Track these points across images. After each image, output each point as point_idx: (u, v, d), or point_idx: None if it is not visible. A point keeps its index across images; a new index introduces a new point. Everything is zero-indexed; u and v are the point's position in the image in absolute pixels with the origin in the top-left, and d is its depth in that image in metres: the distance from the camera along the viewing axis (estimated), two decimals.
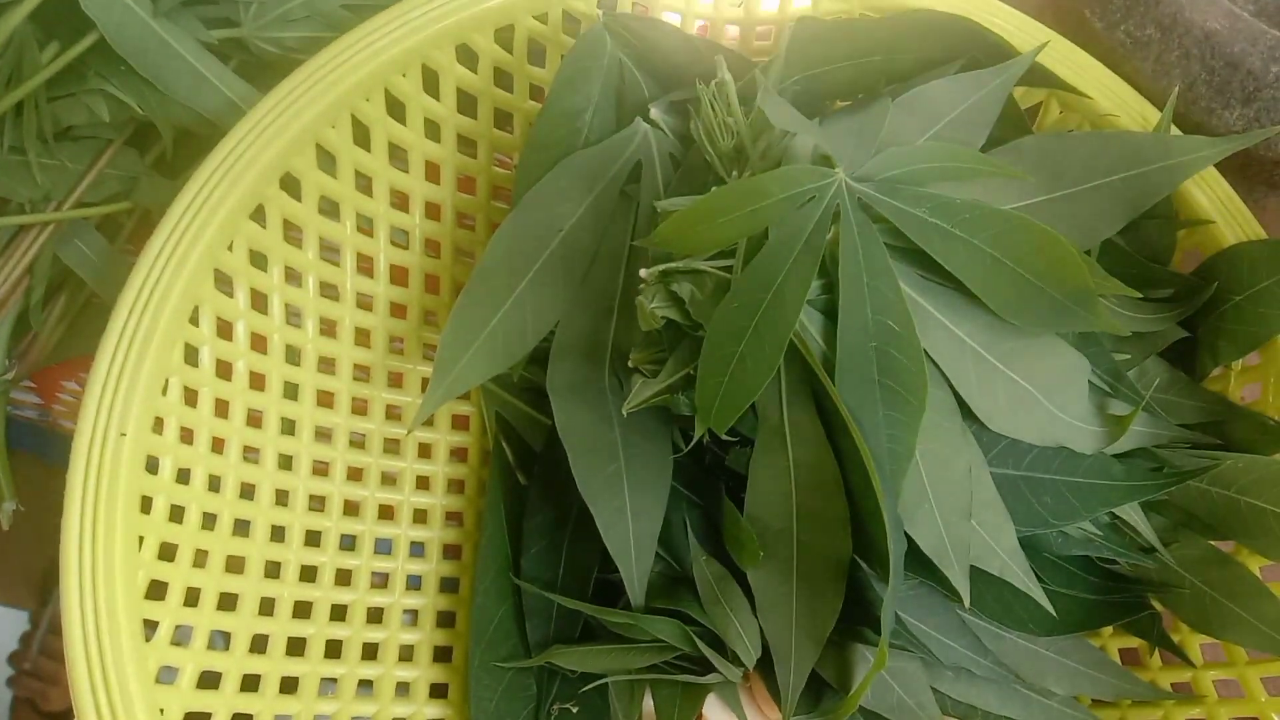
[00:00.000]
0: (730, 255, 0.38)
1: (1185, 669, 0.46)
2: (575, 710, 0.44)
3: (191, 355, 0.39)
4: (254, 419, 0.42)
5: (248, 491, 0.42)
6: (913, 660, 0.42)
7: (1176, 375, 0.47)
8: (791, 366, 0.38)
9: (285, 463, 0.44)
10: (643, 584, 0.42)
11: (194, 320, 0.39)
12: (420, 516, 0.49)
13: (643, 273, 0.38)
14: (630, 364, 0.41)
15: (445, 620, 0.48)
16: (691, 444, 0.41)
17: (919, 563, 0.41)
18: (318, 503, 0.45)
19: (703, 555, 0.43)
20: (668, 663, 0.44)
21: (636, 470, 0.43)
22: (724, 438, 0.40)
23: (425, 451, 0.50)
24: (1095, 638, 0.47)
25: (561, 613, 0.46)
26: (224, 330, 0.41)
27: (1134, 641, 0.47)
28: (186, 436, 0.39)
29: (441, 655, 0.47)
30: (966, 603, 0.39)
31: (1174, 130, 0.46)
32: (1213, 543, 0.45)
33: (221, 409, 0.41)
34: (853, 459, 0.37)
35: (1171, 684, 0.46)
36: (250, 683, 0.40)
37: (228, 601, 0.40)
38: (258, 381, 0.42)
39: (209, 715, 0.37)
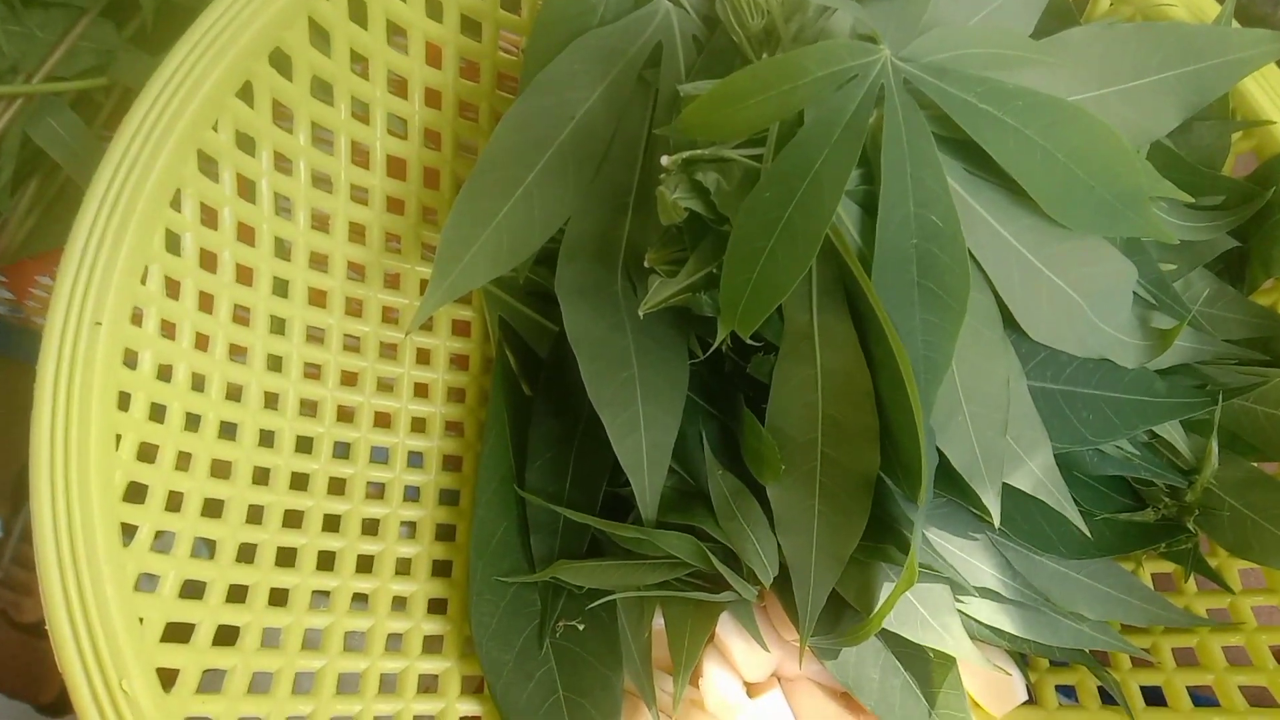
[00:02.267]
0: (760, 143, 0.35)
1: (1222, 595, 0.44)
2: (582, 628, 0.43)
3: (173, 242, 0.36)
4: (241, 316, 0.40)
5: (234, 393, 0.39)
6: (938, 581, 0.40)
7: (1224, 288, 0.45)
8: (825, 264, 0.35)
9: (275, 364, 0.41)
10: (655, 498, 0.40)
11: (175, 205, 0.36)
12: (418, 425, 0.47)
13: (664, 160, 0.35)
14: (646, 264, 0.38)
15: (445, 534, 0.46)
16: (710, 350, 0.39)
17: (948, 480, 0.39)
18: (309, 408, 0.43)
19: (719, 469, 0.41)
20: (679, 580, 0.42)
21: (650, 378, 0.40)
22: (747, 343, 0.37)
23: (424, 358, 0.47)
24: (1128, 561, 0.46)
25: (568, 527, 0.44)
26: (208, 218, 0.38)
27: (1168, 566, 0.46)
28: (168, 331, 0.37)
29: (441, 570, 0.45)
30: (996, 522, 0.37)
31: (1234, 24, 0.43)
32: (1255, 464, 0.43)
33: (206, 303, 0.38)
34: (886, 367, 0.35)
35: (1207, 610, 0.45)
36: (237, 593, 0.38)
37: (213, 508, 0.38)
38: (245, 275, 0.40)
39: (192, 626, 0.35)
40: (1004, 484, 0.38)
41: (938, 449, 0.37)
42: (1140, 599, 0.43)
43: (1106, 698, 0.45)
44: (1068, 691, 0.46)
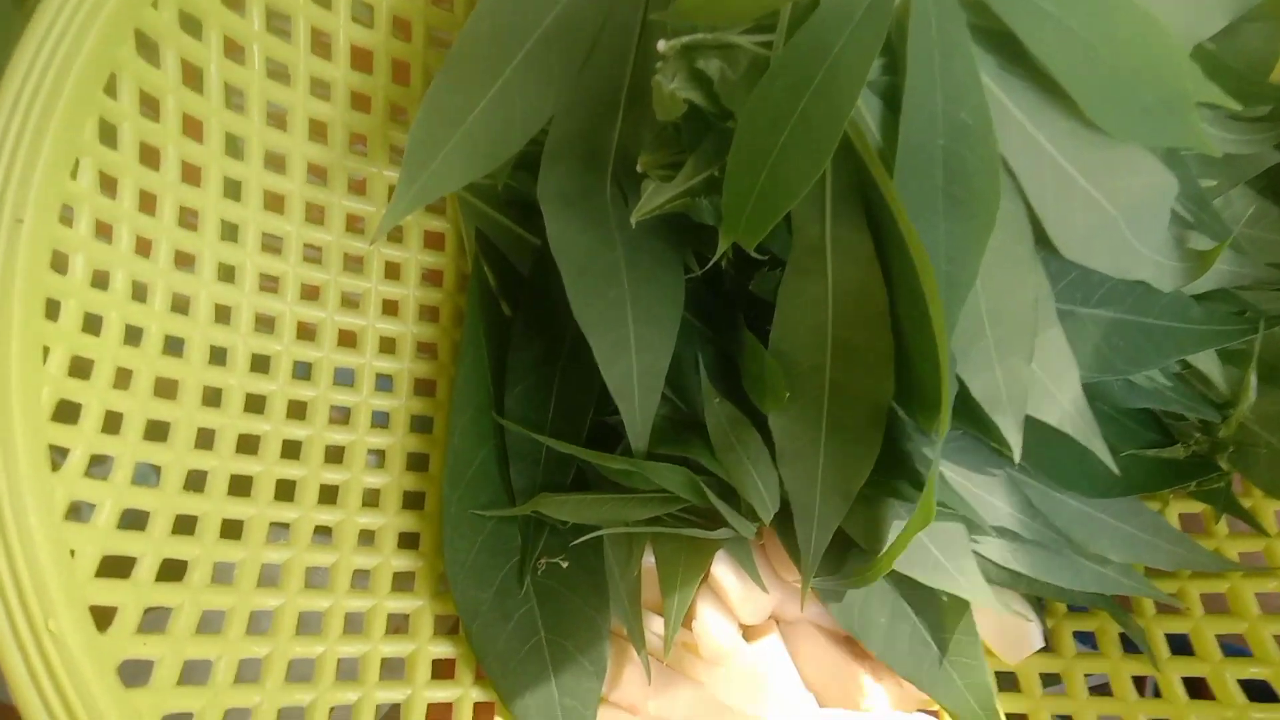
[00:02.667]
0: (770, 28, 0.32)
1: (1256, 538, 0.42)
2: (565, 566, 0.40)
3: (108, 134, 0.33)
4: (188, 220, 0.36)
5: (181, 304, 0.36)
6: (953, 520, 0.38)
7: (1267, 208, 0.41)
8: (841, 167, 0.32)
9: (226, 274, 0.38)
10: (646, 427, 0.37)
11: (110, 91, 0.32)
12: (387, 346, 0.43)
13: (661, 45, 0.31)
14: (639, 168, 0.35)
15: (417, 463, 0.43)
16: (708, 266, 0.35)
17: (965, 411, 0.36)
18: (265, 324, 0.39)
19: (716, 397, 0.38)
20: (671, 515, 0.40)
21: (642, 296, 0.37)
22: (751, 255, 0.34)
23: (393, 272, 0.44)
24: (1154, 501, 0.43)
25: (551, 457, 0.41)
26: (149, 108, 0.34)
27: (1197, 506, 0.44)
28: (105, 233, 0.33)
29: (412, 502, 0.42)
30: (1016, 457, 0.35)
31: None
32: None
33: (148, 204, 0.35)
34: (904, 283, 0.32)
35: (1239, 554, 0.42)
36: (185, 524, 0.35)
37: (157, 431, 0.34)
38: (192, 175, 0.36)
39: (133, 560, 0.32)
40: (1026, 417, 0.35)
41: (957, 377, 0.34)
42: (1167, 541, 0.40)
43: (1129, 645, 0.43)
44: (1087, 639, 0.44)
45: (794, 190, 0.31)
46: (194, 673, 0.33)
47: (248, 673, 0.35)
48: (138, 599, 0.32)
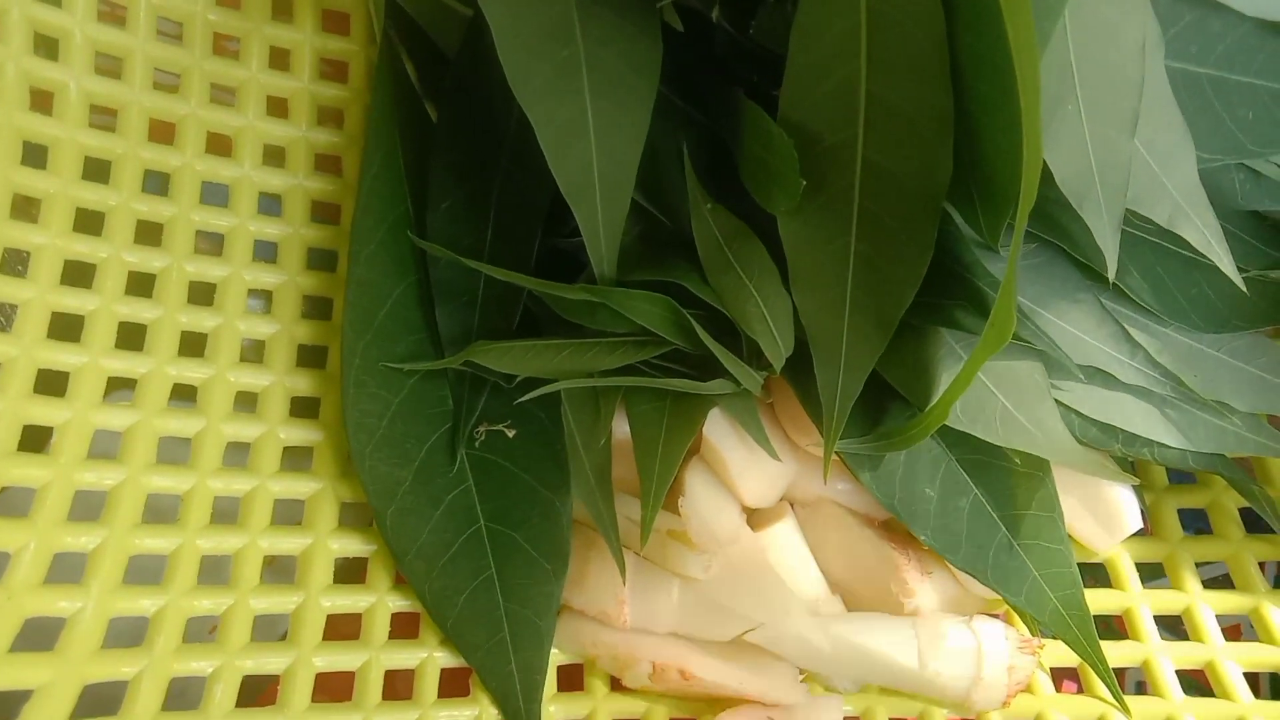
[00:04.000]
0: None
1: None
2: (512, 434, 0.30)
3: None
4: None
5: None
6: (1026, 357, 0.29)
7: None
8: None
9: (47, 48, 0.28)
10: (613, 242, 0.29)
11: None
12: (274, 156, 0.34)
13: None
14: None
15: (316, 309, 0.34)
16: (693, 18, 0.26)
17: (1039, 211, 0.29)
18: (104, 114, 0.29)
19: (708, 201, 0.29)
20: (649, 364, 0.31)
21: (604, 57, 0.28)
22: None
23: (280, 61, 0.35)
24: None
25: (490, 293, 0.32)
26: None
27: None
28: None
29: (310, 358, 0.33)
30: (1111, 272, 0.27)
31: None
32: None
33: None
34: (967, 8, 0.23)
35: None
36: None
37: None
38: None
39: None
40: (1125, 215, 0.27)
41: None
42: None
43: (1252, 524, 0.34)
44: (1197, 518, 0.35)
45: None
46: None
47: (66, 572, 0.25)
48: None
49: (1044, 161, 0.26)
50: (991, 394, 0.29)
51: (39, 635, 0.25)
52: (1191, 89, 0.29)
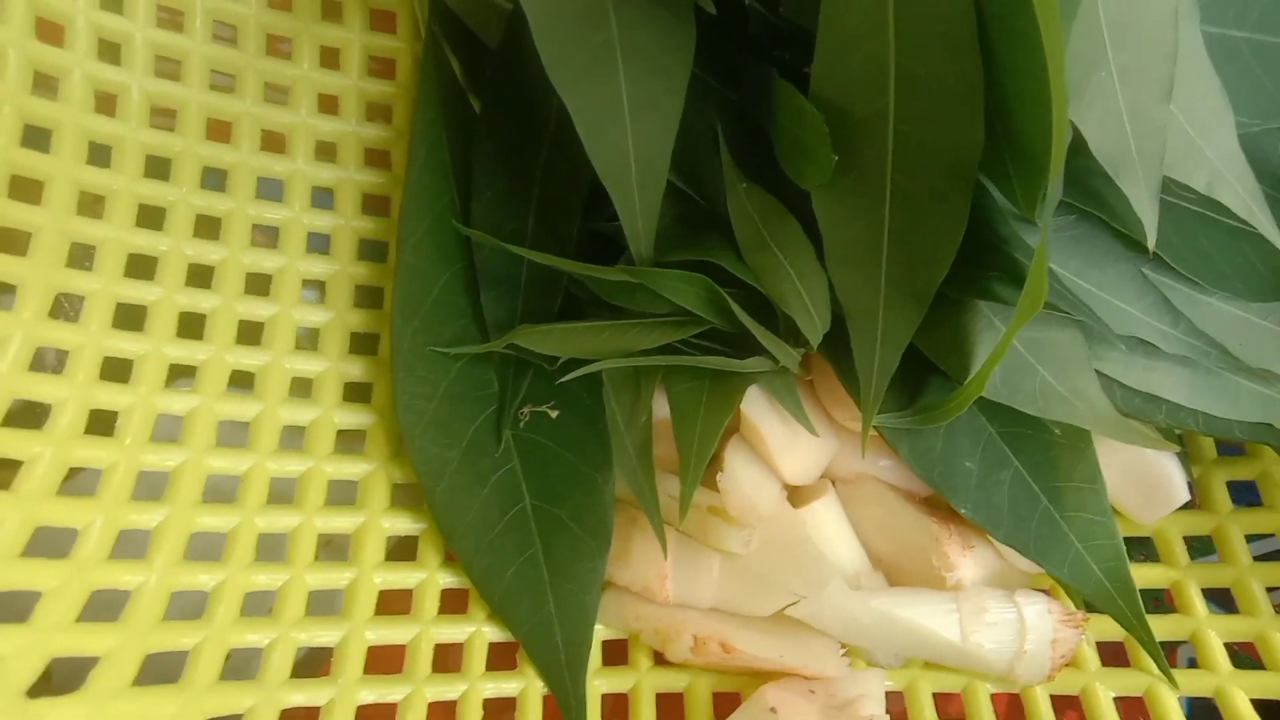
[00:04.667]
0: None
1: None
2: (555, 414, 0.31)
3: None
4: None
5: (46, 84, 0.28)
6: (1066, 327, 0.28)
7: None
8: None
9: (110, 53, 0.29)
10: (650, 223, 0.29)
11: None
12: (326, 151, 0.35)
13: None
14: None
15: (369, 298, 0.35)
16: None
17: (1076, 182, 0.28)
18: (163, 116, 0.31)
19: (743, 181, 0.29)
20: (688, 343, 0.31)
21: (638, 40, 0.28)
22: None
23: (330, 59, 0.36)
24: None
25: (533, 278, 0.33)
26: None
27: None
28: None
29: (363, 345, 0.34)
30: (1151, 241, 0.26)
31: None
32: None
33: None
34: None
35: None
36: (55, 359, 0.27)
37: (16, 243, 0.26)
38: None
39: None
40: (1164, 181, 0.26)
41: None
42: None
43: None
44: (1246, 491, 0.34)
45: None
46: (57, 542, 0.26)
47: (131, 548, 0.27)
48: None
49: (1078, 130, 0.27)
50: (1031, 366, 0.29)
51: (105, 608, 0.27)
52: (1230, 53, 0.29)
